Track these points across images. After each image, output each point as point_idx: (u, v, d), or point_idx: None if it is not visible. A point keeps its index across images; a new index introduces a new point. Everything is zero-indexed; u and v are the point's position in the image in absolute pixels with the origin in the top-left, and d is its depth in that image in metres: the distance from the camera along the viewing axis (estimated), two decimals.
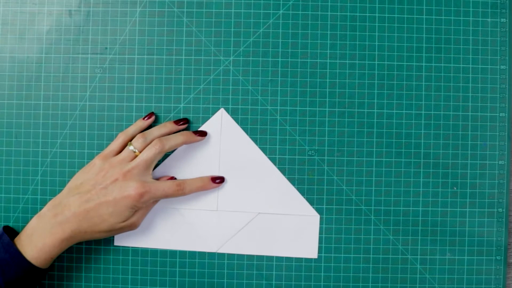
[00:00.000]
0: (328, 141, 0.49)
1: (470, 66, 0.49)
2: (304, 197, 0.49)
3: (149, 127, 0.49)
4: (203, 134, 0.48)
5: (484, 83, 0.49)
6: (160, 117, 0.49)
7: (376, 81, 0.49)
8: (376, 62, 0.49)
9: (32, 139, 0.50)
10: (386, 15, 0.49)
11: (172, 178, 0.48)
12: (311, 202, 0.49)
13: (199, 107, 0.49)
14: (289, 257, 0.49)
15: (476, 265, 0.49)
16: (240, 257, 0.49)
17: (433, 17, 0.49)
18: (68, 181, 0.46)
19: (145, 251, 0.49)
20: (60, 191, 0.46)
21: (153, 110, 0.49)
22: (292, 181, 0.49)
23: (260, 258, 0.49)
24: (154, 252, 0.49)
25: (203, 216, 0.49)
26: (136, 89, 0.50)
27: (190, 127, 0.49)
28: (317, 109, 0.49)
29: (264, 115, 0.49)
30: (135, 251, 0.49)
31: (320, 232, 0.49)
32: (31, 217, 0.44)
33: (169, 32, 0.50)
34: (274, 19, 0.49)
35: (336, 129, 0.49)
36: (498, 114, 0.49)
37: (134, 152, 0.45)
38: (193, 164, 0.49)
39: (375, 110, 0.49)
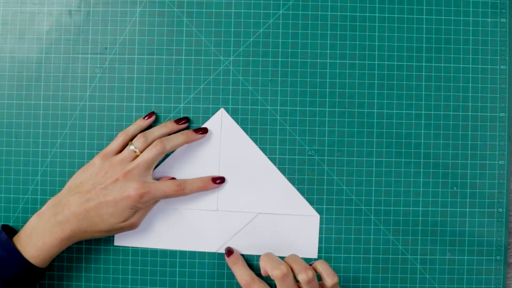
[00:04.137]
0: (328, 141, 0.49)
1: (470, 66, 0.49)
2: (304, 197, 0.49)
3: (149, 126, 0.49)
4: (204, 131, 0.48)
5: (484, 83, 0.49)
6: (160, 117, 0.49)
7: (376, 81, 0.49)
8: (376, 62, 0.49)
9: (32, 139, 0.50)
10: (386, 15, 0.49)
11: (173, 178, 0.48)
12: (311, 202, 0.49)
13: (199, 107, 0.49)
14: None
15: (476, 265, 0.49)
16: None
17: (433, 17, 0.49)
18: (68, 180, 0.46)
19: (145, 251, 0.49)
20: (60, 191, 0.46)
21: (153, 110, 0.49)
22: (292, 181, 0.49)
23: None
24: (154, 252, 0.49)
25: (203, 216, 0.49)
26: (136, 89, 0.50)
27: (190, 127, 0.49)
28: (317, 109, 0.49)
29: (264, 115, 0.49)
30: (135, 251, 0.49)
31: (320, 232, 0.49)
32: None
33: (169, 32, 0.50)
34: (274, 19, 0.49)
35: (336, 129, 0.49)
36: (498, 114, 0.49)
37: (135, 152, 0.45)
38: (193, 164, 0.49)
39: (375, 110, 0.49)
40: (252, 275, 0.45)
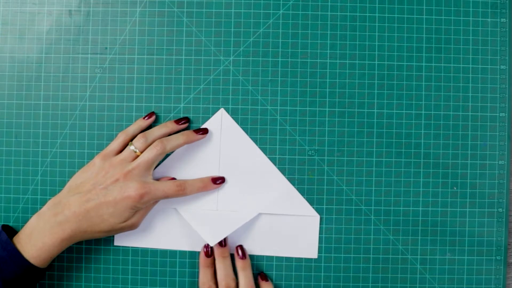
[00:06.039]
0: (328, 141, 0.49)
1: (470, 66, 0.49)
2: (304, 197, 0.49)
3: (150, 126, 0.49)
4: (205, 132, 0.48)
5: (484, 83, 0.49)
6: (160, 117, 0.49)
7: (376, 81, 0.49)
8: (376, 62, 0.49)
9: (32, 139, 0.50)
10: (386, 15, 0.49)
11: (173, 179, 0.48)
12: (311, 202, 0.49)
13: (199, 107, 0.49)
14: (289, 257, 0.49)
15: (476, 265, 0.49)
16: None
17: (433, 17, 0.49)
18: (68, 181, 0.46)
19: (145, 251, 0.49)
20: (60, 191, 0.46)
21: (153, 110, 0.49)
22: (292, 181, 0.49)
23: (260, 258, 0.49)
24: (154, 252, 0.49)
25: (203, 216, 0.49)
26: (136, 89, 0.50)
27: (190, 127, 0.49)
28: (317, 109, 0.49)
29: (264, 115, 0.49)
30: (135, 251, 0.49)
31: (320, 232, 0.49)
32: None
33: (169, 32, 0.50)
34: (274, 19, 0.49)
35: (336, 129, 0.49)
36: (498, 114, 0.49)
37: (135, 152, 0.45)
38: (193, 164, 0.49)
39: (375, 110, 0.49)
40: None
